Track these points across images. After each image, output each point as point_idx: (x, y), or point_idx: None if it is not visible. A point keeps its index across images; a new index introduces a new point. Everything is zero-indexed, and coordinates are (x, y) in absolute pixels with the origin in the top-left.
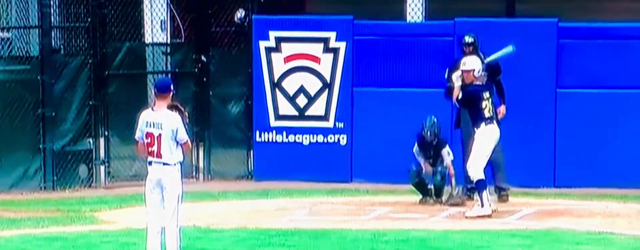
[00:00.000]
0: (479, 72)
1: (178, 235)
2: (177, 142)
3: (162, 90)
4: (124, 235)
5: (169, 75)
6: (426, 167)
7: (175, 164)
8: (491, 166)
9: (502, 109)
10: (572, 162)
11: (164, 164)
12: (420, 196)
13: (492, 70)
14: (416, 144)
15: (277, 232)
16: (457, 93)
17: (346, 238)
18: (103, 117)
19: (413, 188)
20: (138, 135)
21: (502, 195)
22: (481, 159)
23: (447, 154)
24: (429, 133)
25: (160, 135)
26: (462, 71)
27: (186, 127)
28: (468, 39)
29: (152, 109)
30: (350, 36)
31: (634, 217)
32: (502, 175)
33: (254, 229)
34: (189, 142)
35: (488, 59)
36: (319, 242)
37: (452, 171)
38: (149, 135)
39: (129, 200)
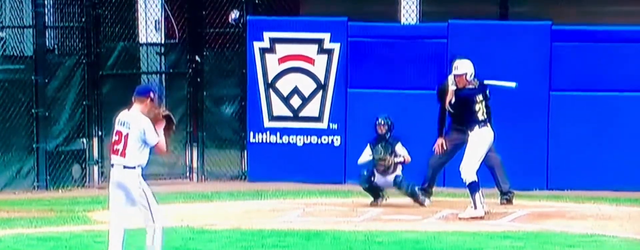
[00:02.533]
0: (471, 76)
1: (160, 236)
2: (146, 144)
3: (139, 93)
4: None
5: (163, 75)
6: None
7: (135, 167)
8: (491, 172)
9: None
10: (564, 164)
11: (124, 166)
12: (372, 199)
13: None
14: (368, 146)
15: (270, 233)
16: (450, 97)
17: (339, 239)
18: (97, 117)
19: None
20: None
21: (503, 198)
22: (474, 162)
23: (401, 148)
24: (382, 122)
25: (127, 134)
26: (455, 75)
27: (170, 136)
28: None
29: (128, 109)
30: (345, 37)
31: (626, 220)
32: (503, 179)
33: (247, 229)
34: (162, 145)
35: (487, 82)
36: (312, 243)
37: (407, 159)
38: (117, 133)
39: None
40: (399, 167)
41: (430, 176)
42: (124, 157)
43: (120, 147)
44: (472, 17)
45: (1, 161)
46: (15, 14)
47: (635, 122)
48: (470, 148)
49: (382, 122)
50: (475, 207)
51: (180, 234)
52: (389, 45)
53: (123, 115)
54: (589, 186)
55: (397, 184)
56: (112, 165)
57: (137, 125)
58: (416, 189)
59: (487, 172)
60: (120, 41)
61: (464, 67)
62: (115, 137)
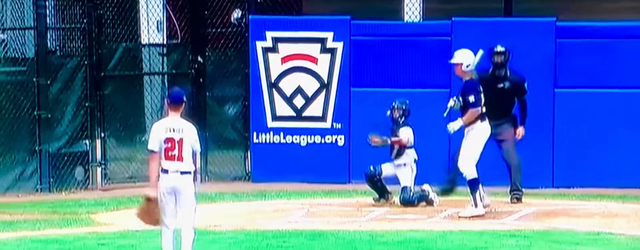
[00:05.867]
0: (467, 66)
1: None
2: (194, 152)
3: (178, 101)
4: (121, 237)
5: (165, 76)
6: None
7: (190, 172)
8: (509, 169)
9: (520, 131)
10: (570, 162)
11: (182, 172)
12: (377, 196)
13: (517, 89)
14: None
15: (274, 234)
16: (459, 124)
17: (344, 239)
18: (99, 119)
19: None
20: (154, 145)
21: (514, 196)
22: (472, 157)
23: (404, 131)
24: (396, 106)
25: (181, 140)
26: (452, 64)
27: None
28: (500, 48)
29: (167, 116)
30: (348, 36)
31: (632, 217)
32: (517, 178)
33: (251, 230)
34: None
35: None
36: (316, 244)
37: (403, 142)
38: (169, 140)
39: (125, 202)
40: (407, 154)
41: (452, 177)
42: (182, 161)
43: (175, 153)
44: (476, 14)
45: (4, 163)
46: (17, 16)
47: None
48: (468, 143)
49: (396, 106)
50: (476, 206)
51: None
52: (393, 43)
53: (170, 122)
54: (595, 184)
55: (403, 202)
56: (166, 172)
57: (191, 132)
58: (426, 190)
59: (492, 170)
60: (122, 42)
61: (460, 56)
62: (167, 145)
